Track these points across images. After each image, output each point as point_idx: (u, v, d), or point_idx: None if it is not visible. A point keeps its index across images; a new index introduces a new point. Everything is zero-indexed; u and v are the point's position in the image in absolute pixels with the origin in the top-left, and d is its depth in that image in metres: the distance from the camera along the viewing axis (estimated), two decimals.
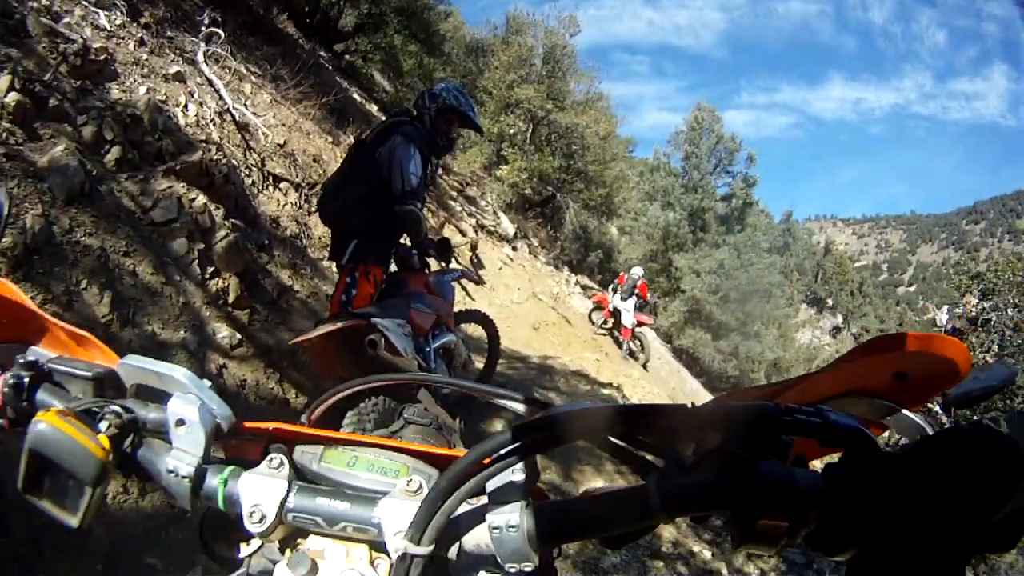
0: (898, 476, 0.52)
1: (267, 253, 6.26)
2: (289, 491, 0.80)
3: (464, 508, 0.73)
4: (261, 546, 0.85)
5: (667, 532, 5.67)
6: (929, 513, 0.50)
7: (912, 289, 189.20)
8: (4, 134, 4.18)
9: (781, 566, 5.75)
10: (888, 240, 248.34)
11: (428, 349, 4.63)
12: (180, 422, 0.79)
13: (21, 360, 0.87)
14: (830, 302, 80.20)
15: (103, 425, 0.79)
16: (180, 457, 0.79)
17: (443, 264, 5.26)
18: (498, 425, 5.57)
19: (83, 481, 0.75)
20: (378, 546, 0.79)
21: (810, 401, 0.75)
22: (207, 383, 0.83)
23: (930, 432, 0.68)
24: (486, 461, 0.69)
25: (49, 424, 0.74)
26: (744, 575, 5.54)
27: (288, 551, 0.81)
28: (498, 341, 6.25)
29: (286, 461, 0.82)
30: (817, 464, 0.63)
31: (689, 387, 19.90)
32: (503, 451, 0.68)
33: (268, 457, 0.83)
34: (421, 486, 0.78)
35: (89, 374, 0.86)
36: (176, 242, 4.94)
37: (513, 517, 0.68)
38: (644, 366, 15.76)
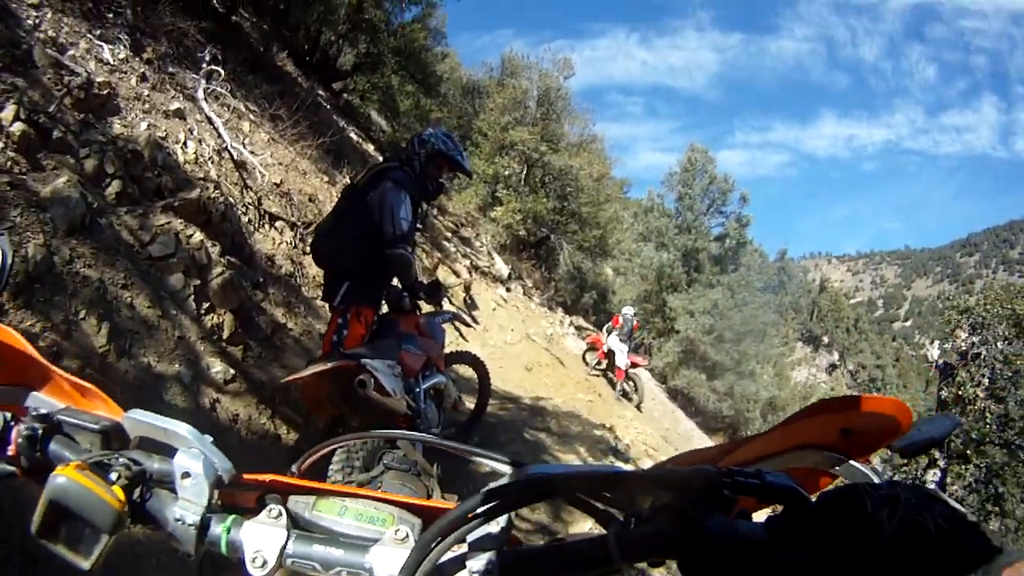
0: (825, 528, 0.58)
1: (262, 291, 6.30)
2: (288, 539, 0.85)
3: (448, 556, 0.78)
4: None
5: (657, 574, 5.66)
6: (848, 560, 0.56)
7: (908, 324, 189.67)
8: (9, 163, 4.25)
9: None
10: (883, 276, 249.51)
11: (418, 390, 4.63)
12: (186, 475, 0.84)
13: (34, 412, 0.90)
14: (826, 339, 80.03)
15: (114, 476, 0.83)
16: (186, 507, 0.84)
17: (434, 306, 5.32)
18: (473, 471, 5.56)
19: (100, 529, 0.80)
20: None
21: (760, 457, 0.83)
22: (209, 438, 0.88)
23: (875, 480, 0.71)
24: (469, 516, 0.75)
25: (68, 478, 0.79)
26: None
27: None
28: (488, 382, 6.26)
29: (284, 511, 0.88)
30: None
31: (683, 428, 19.81)
32: (484, 508, 0.74)
33: (267, 508, 0.88)
34: (408, 535, 0.85)
35: (97, 427, 0.90)
36: (173, 277, 5.00)
37: (491, 564, 0.75)
38: (638, 407, 15.71)
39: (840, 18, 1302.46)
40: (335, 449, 3.84)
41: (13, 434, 0.89)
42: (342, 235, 4.55)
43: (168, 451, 0.88)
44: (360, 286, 4.58)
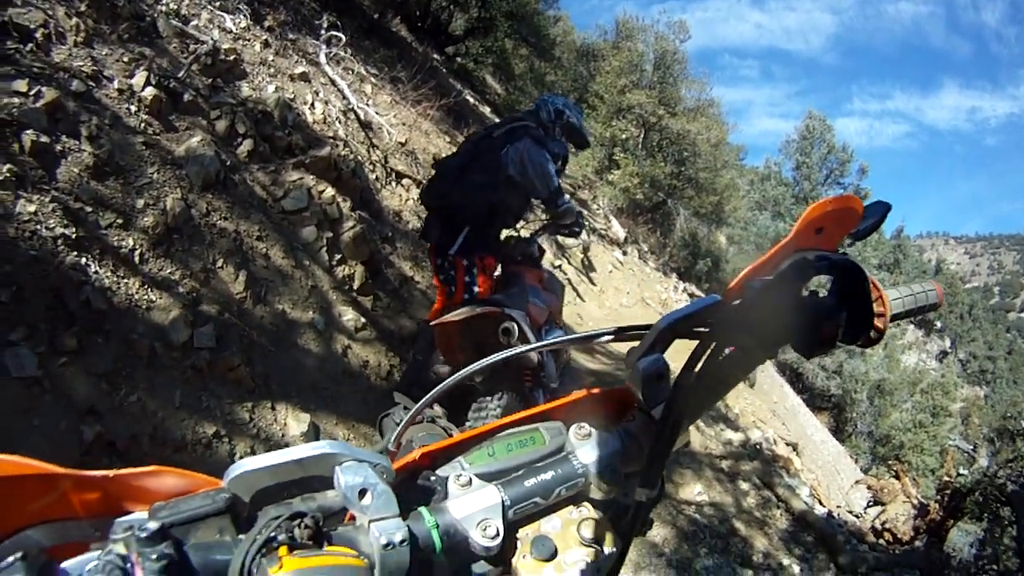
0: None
1: (390, 245, 6.43)
2: (501, 491, 0.79)
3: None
4: None
5: (759, 543, 5.65)
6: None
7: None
8: (143, 125, 4.40)
9: None
10: (1001, 261, 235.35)
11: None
12: (363, 492, 0.69)
13: (139, 534, 0.57)
14: (938, 324, 76.70)
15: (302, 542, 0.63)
16: (385, 527, 0.69)
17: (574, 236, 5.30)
18: None
19: None
20: (576, 499, 0.86)
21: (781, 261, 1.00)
22: (344, 442, 0.73)
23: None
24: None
25: (301, 570, 0.58)
26: None
27: (515, 550, 0.80)
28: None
29: (468, 473, 0.81)
30: None
31: (790, 403, 19.36)
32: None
33: (455, 475, 0.80)
34: (588, 429, 0.90)
35: (220, 505, 0.65)
36: (306, 230, 5.14)
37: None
38: (751, 384, 15.46)
39: None
40: (469, 404, 3.92)
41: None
42: (471, 182, 4.48)
43: (299, 486, 0.71)
44: (480, 234, 4.56)
